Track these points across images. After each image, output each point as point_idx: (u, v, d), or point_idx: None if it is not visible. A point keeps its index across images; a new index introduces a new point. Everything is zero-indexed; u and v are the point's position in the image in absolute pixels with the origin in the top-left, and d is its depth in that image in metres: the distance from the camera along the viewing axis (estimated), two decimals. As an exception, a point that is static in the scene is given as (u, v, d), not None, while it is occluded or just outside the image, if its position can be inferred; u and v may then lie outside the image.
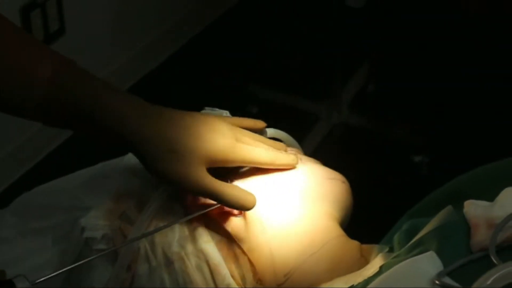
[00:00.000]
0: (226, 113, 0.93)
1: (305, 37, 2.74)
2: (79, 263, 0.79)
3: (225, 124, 0.87)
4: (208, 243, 0.83)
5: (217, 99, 0.91)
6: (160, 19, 2.59)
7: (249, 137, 0.88)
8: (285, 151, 0.92)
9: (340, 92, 2.45)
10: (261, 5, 2.90)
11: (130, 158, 0.92)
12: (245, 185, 0.86)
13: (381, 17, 2.83)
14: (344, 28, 2.38)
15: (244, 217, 0.85)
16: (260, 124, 0.93)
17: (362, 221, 1.00)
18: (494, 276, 0.64)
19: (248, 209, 0.83)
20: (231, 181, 0.87)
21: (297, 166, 0.90)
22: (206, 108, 0.93)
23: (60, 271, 0.77)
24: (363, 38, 2.72)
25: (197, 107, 0.91)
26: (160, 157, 0.81)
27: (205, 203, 0.84)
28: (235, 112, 0.93)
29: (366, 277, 0.77)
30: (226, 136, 0.84)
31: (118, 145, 0.83)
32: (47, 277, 0.75)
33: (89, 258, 0.80)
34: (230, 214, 0.85)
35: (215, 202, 0.83)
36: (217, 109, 0.93)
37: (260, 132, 0.93)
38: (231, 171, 0.88)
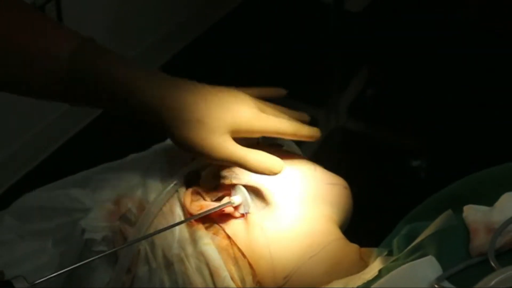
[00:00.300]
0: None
1: (304, 41, 2.75)
2: (78, 264, 0.79)
3: (247, 93, 0.87)
4: (208, 245, 0.83)
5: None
6: (158, 23, 2.59)
7: (272, 108, 0.89)
8: (307, 122, 0.92)
9: (338, 97, 2.45)
10: (259, 10, 2.90)
11: (130, 160, 0.92)
12: (246, 188, 0.86)
13: (379, 21, 2.83)
14: (342, 32, 2.38)
15: (244, 219, 0.85)
16: (281, 91, 0.94)
17: (361, 225, 1.00)
18: (494, 281, 0.64)
19: (276, 173, 0.83)
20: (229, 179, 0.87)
21: (300, 166, 0.90)
22: None
23: (59, 272, 0.77)
24: (362, 42, 2.72)
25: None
26: (184, 125, 0.81)
27: (205, 206, 0.84)
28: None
29: (365, 280, 0.77)
30: (251, 106, 0.85)
31: (141, 116, 0.83)
32: (46, 278, 0.75)
33: (88, 260, 0.80)
34: (230, 217, 0.85)
35: (215, 205, 0.84)
36: None
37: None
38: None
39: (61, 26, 0.85)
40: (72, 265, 0.83)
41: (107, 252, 0.82)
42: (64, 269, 0.84)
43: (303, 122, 0.91)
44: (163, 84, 0.82)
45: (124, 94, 0.81)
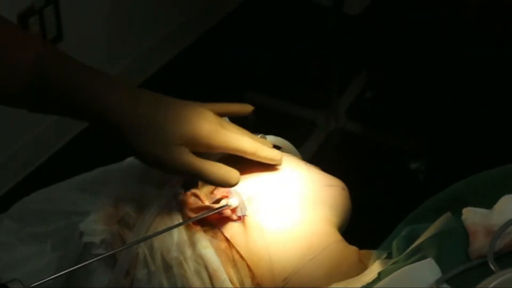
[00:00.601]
0: (224, 118, 0.93)
1: (303, 44, 2.75)
2: (74, 268, 0.78)
3: (209, 109, 0.86)
4: (206, 248, 0.83)
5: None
6: (156, 27, 2.60)
7: (234, 127, 0.88)
8: (270, 147, 0.91)
9: (337, 99, 2.45)
10: (258, 13, 2.91)
11: (128, 163, 0.92)
12: (243, 191, 0.86)
13: (377, 23, 2.84)
14: (341, 35, 2.38)
15: (243, 222, 0.85)
16: (247, 108, 0.92)
17: (360, 227, 1.00)
18: (493, 283, 0.64)
19: (232, 185, 0.83)
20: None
21: (298, 169, 0.90)
22: None
23: (55, 275, 0.77)
24: (360, 44, 2.72)
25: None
26: (141, 138, 0.80)
27: (203, 208, 0.84)
28: (232, 119, 0.93)
29: (364, 283, 0.77)
30: (211, 121, 0.84)
31: (98, 126, 0.82)
32: (42, 281, 0.75)
33: (85, 262, 0.80)
34: (228, 220, 0.85)
35: (214, 207, 0.84)
36: None
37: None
38: None
39: (27, 34, 0.85)
40: (70, 266, 0.83)
41: (105, 255, 0.81)
42: (62, 269, 0.85)
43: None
44: (123, 96, 0.82)
45: (80, 102, 0.81)
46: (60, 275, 0.77)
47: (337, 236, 0.89)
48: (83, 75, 0.82)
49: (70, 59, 0.83)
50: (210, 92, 2.47)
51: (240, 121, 0.92)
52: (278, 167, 0.90)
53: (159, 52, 2.61)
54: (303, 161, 0.95)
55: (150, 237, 0.82)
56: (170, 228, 0.83)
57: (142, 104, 0.82)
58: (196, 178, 0.83)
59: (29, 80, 0.81)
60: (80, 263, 0.84)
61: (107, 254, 0.81)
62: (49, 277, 0.75)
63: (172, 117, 0.82)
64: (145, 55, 2.55)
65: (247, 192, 0.86)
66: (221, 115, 0.88)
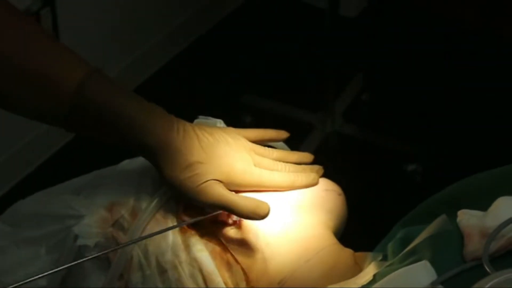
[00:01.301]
0: (220, 122, 0.93)
1: (299, 47, 2.75)
2: (64, 266, 0.79)
3: (244, 146, 0.87)
4: (201, 251, 0.83)
5: (211, 108, 0.91)
6: (152, 31, 2.60)
7: (269, 158, 0.89)
8: (311, 159, 0.93)
9: (334, 102, 2.46)
10: (254, 16, 2.91)
11: (123, 167, 0.91)
12: (240, 194, 0.86)
13: (374, 26, 2.84)
14: (337, 37, 2.38)
15: (238, 226, 0.85)
16: (283, 134, 0.94)
17: (356, 230, 1.00)
18: (488, 285, 0.64)
19: (262, 218, 0.83)
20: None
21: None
22: (200, 117, 0.93)
23: (39, 275, 0.76)
24: (357, 47, 2.73)
25: (191, 117, 0.91)
26: (179, 172, 0.82)
27: (198, 212, 0.84)
28: (228, 122, 0.93)
29: (359, 285, 0.77)
30: (245, 161, 0.85)
31: (137, 151, 0.84)
32: (21, 283, 0.74)
33: (77, 261, 0.80)
34: (224, 223, 0.85)
35: (209, 211, 0.84)
36: (210, 118, 0.93)
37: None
38: None
39: (74, 56, 0.84)
40: (65, 271, 0.83)
41: (96, 255, 0.81)
42: (57, 276, 0.84)
43: (305, 162, 0.92)
44: (162, 125, 0.83)
45: (123, 132, 0.82)
46: (45, 275, 0.77)
47: (333, 239, 0.89)
48: (124, 104, 0.82)
49: (112, 84, 0.83)
50: (207, 94, 2.47)
51: (236, 123, 0.92)
52: None
53: (156, 56, 2.61)
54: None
55: (142, 238, 0.82)
56: (164, 231, 0.83)
57: (181, 136, 0.83)
58: (227, 210, 0.83)
59: (73, 106, 0.81)
60: (74, 267, 0.84)
61: (99, 254, 0.81)
62: (31, 277, 0.75)
63: (210, 154, 0.83)
64: (142, 58, 2.55)
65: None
66: (255, 142, 0.90)
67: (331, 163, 0.93)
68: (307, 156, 0.93)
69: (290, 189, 0.89)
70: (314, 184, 0.90)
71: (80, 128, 0.83)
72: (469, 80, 2.53)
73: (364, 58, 2.70)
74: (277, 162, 0.89)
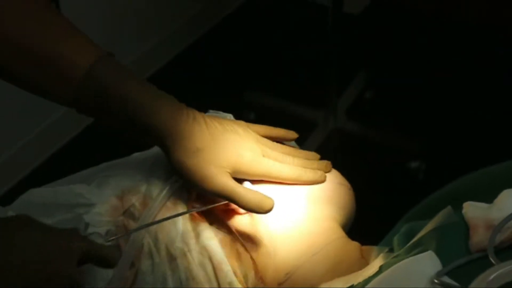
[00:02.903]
0: (230, 116, 0.93)
1: (302, 43, 2.75)
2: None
3: (253, 137, 0.88)
4: (211, 240, 0.84)
5: (215, 105, 0.92)
6: (156, 28, 2.60)
7: (278, 151, 0.89)
8: (317, 159, 0.93)
9: (337, 99, 2.46)
10: (258, 12, 2.91)
11: (134, 157, 0.92)
12: (251, 186, 0.87)
13: (378, 23, 2.84)
14: (341, 34, 2.38)
15: (249, 215, 0.85)
16: (292, 135, 0.94)
17: (361, 224, 1.01)
18: (493, 276, 0.65)
19: (265, 212, 0.84)
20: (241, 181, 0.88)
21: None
22: (210, 111, 0.94)
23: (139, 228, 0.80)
24: (361, 44, 2.73)
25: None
26: (185, 154, 0.82)
27: (209, 200, 0.85)
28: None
29: (366, 277, 0.78)
30: (253, 150, 0.86)
31: (146, 139, 0.85)
32: (119, 237, 0.80)
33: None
34: (234, 213, 0.86)
35: (220, 200, 0.84)
36: (220, 112, 0.94)
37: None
38: None
39: (87, 39, 0.86)
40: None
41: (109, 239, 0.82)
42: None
43: (312, 160, 0.92)
44: (171, 109, 0.83)
45: (131, 114, 0.83)
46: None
47: (340, 233, 0.89)
48: (131, 88, 0.83)
49: (123, 69, 0.85)
50: (210, 91, 2.47)
51: (238, 120, 0.93)
52: None
53: (159, 53, 2.61)
54: None
55: (151, 224, 0.83)
56: (173, 216, 0.84)
57: (190, 123, 0.83)
58: (230, 201, 0.84)
59: (82, 87, 0.82)
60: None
61: (110, 240, 0.82)
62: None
63: (218, 140, 0.84)
64: (145, 56, 2.55)
65: (255, 189, 0.86)
66: (265, 137, 0.90)
67: (334, 160, 0.94)
68: (313, 155, 0.94)
69: (296, 183, 0.89)
70: (321, 181, 0.90)
71: (89, 110, 0.84)
72: (473, 78, 2.53)
73: (367, 56, 2.70)
74: (286, 155, 0.90)
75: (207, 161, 0.82)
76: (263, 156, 0.87)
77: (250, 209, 0.84)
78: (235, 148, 0.85)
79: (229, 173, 0.84)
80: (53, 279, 0.70)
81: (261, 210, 0.84)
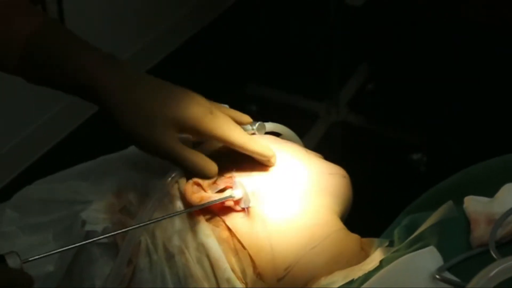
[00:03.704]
0: (226, 107, 0.93)
1: (304, 36, 2.75)
2: (70, 246, 0.79)
3: (203, 98, 0.85)
4: (208, 237, 0.83)
5: (216, 97, 0.91)
6: (158, 19, 2.60)
7: (227, 117, 0.86)
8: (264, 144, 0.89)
9: (339, 91, 2.45)
10: (260, 4, 2.91)
11: (131, 152, 0.92)
12: (246, 180, 0.86)
13: (380, 15, 2.83)
14: (343, 27, 2.38)
15: (246, 212, 0.85)
16: (245, 118, 0.90)
17: (361, 217, 1.00)
18: (494, 271, 0.64)
19: (208, 177, 0.83)
20: (231, 171, 0.87)
21: (301, 158, 0.90)
22: None
23: (51, 252, 0.77)
24: (362, 37, 2.72)
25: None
26: (127, 116, 0.80)
27: (205, 197, 0.84)
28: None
29: (366, 271, 0.77)
30: (201, 105, 0.83)
31: (88, 98, 0.83)
32: (39, 257, 0.75)
33: (80, 243, 0.80)
34: (231, 210, 0.85)
35: (216, 197, 0.84)
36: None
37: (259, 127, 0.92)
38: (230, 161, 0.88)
39: (30, 7, 0.85)
40: (72, 257, 0.83)
41: (101, 237, 0.81)
42: (65, 261, 0.85)
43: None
44: (113, 71, 0.82)
45: (72, 75, 0.82)
46: (56, 252, 0.77)
47: (339, 225, 0.89)
48: (76, 49, 0.83)
49: (66, 33, 0.84)
50: (212, 83, 2.47)
51: (241, 112, 0.92)
52: (278, 157, 0.89)
53: (161, 45, 2.61)
54: (304, 149, 0.95)
55: (148, 223, 0.82)
56: (171, 215, 0.83)
57: (133, 83, 0.82)
58: (175, 164, 0.83)
59: (24, 54, 0.82)
60: (82, 252, 0.84)
61: (103, 237, 0.81)
62: (45, 253, 0.76)
63: (161, 98, 0.81)
64: (146, 47, 2.55)
65: (251, 185, 0.85)
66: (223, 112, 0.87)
67: (335, 152, 0.94)
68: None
69: (242, 150, 0.85)
70: (268, 156, 0.87)
71: (32, 73, 0.84)
72: (475, 71, 2.53)
73: (369, 48, 2.70)
74: (236, 124, 0.86)
75: (150, 123, 0.80)
76: (211, 114, 0.84)
77: (194, 173, 0.83)
78: (180, 103, 0.82)
79: (175, 130, 0.81)
80: None
81: (203, 175, 0.83)
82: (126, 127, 0.81)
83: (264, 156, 0.87)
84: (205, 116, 0.83)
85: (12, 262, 0.71)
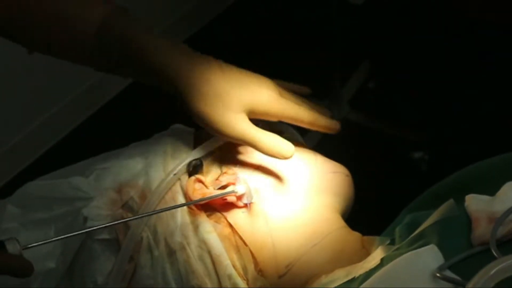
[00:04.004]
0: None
1: (306, 34, 2.75)
2: (70, 234, 0.79)
3: (271, 80, 0.88)
4: (210, 233, 0.83)
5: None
6: (160, 16, 2.60)
7: (294, 96, 0.90)
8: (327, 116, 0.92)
9: (341, 89, 2.45)
10: (260, 2, 2.90)
11: (131, 148, 0.92)
12: (249, 177, 0.86)
13: (382, 13, 2.83)
14: (344, 25, 2.38)
15: (247, 209, 0.85)
16: (305, 90, 0.94)
17: (363, 215, 1.00)
18: (495, 269, 0.64)
19: (286, 158, 0.84)
20: (234, 167, 0.87)
21: (304, 156, 0.91)
22: None
23: (52, 239, 0.78)
24: (364, 34, 2.72)
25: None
26: (201, 98, 0.82)
27: (207, 194, 0.84)
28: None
29: (367, 269, 0.77)
30: (271, 89, 0.86)
31: (161, 85, 0.84)
32: (38, 244, 0.76)
33: (79, 232, 0.80)
34: (233, 206, 0.85)
35: (216, 193, 0.84)
36: None
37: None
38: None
39: None
40: (74, 252, 0.83)
41: (102, 226, 0.82)
42: (67, 258, 0.85)
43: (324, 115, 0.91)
44: (185, 57, 0.84)
45: (146, 63, 0.83)
46: (55, 240, 0.79)
47: (341, 223, 0.89)
48: (147, 39, 0.84)
49: (136, 21, 0.85)
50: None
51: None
52: None
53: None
54: (306, 147, 0.95)
55: (147, 215, 0.83)
56: (172, 208, 0.83)
57: (205, 68, 0.83)
58: (250, 146, 0.84)
59: (97, 38, 0.83)
60: (83, 249, 0.84)
61: (105, 225, 0.81)
62: (44, 241, 0.77)
63: (234, 83, 0.83)
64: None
65: (253, 182, 0.86)
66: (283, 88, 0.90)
67: (337, 150, 0.94)
68: (326, 111, 0.94)
69: (311, 127, 0.89)
70: (336, 129, 0.91)
71: (104, 64, 0.85)
72: (477, 69, 2.52)
73: (371, 46, 2.70)
74: (302, 100, 0.90)
75: (224, 106, 0.82)
76: (281, 96, 0.87)
77: (270, 154, 0.84)
78: (252, 88, 0.84)
79: (246, 114, 0.83)
80: None
81: (281, 156, 0.84)
82: (201, 110, 0.82)
83: (332, 130, 0.91)
84: (276, 99, 0.85)
85: (12, 248, 0.72)
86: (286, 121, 0.88)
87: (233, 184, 0.85)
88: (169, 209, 0.83)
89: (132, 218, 0.82)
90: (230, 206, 0.85)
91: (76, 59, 0.87)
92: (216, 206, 0.85)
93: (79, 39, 0.84)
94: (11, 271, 0.72)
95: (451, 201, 0.78)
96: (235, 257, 0.84)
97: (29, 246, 0.74)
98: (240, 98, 0.83)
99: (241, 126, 0.82)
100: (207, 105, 0.82)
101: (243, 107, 0.83)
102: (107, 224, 0.82)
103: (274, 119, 0.87)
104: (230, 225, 0.85)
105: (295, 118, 0.87)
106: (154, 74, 0.83)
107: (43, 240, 0.77)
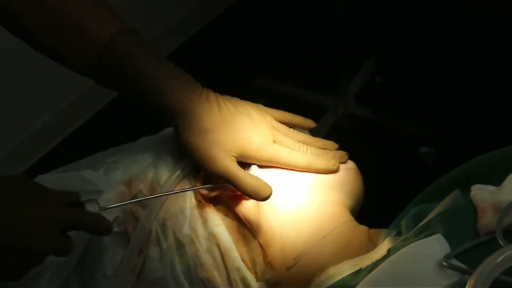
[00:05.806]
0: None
1: (313, 29, 2.74)
2: (151, 196, 0.83)
3: (268, 122, 0.88)
4: (219, 226, 0.84)
5: (224, 91, 0.91)
6: (166, 13, 2.60)
7: (292, 138, 0.89)
8: (334, 149, 0.92)
9: (347, 84, 2.45)
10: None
11: (140, 143, 0.92)
12: (259, 171, 0.87)
13: (389, 8, 2.83)
14: (351, 19, 2.38)
15: (256, 201, 0.85)
16: (309, 123, 0.94)
17: (369, 209, 1.01)
18: (501, 257, 0.65)
19: (263, 199, 0.84)
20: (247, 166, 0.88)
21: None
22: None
23: (127, 202, 0.82)
24: (371, 29, 2.72)
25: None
26: (193, 136, 0.82)
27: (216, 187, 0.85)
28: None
29: (374, 260, 0.78)
30: (263, 135, 0.86)
31: (157, 115, 0.85)
32: (115, 206, 0.80)
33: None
34: (242, 198, 0.86)
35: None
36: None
37: None
38: None
39: (110, 11, 0.86)
40: (84, 247, 0.84)
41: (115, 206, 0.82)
42: (76, 251, 0.85)
43: (328, 150, 0.92)
44: (184, 88, 0.84)
45: (144, 89, 0.83)
46: (131, 202, 0.83)
47: (348, 217, 0.89)
48: (148, 63, 0.83)
49: (140, 45, 0.85)
50: (220, 77, 2.47)
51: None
52: None
53: (169, 38, 2.61)
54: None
55: (149, 198, 0.84)
56: (179, 191, 0.85)
57: (203, 103, 0.84)
58: (230, 184, 0.84)
59: (99, 60, 0.83)
60: (93, 242, 0.85)
61: (113, 206, 0.82)
62: (121, 202, 0.81)
63: (228, 124, 0.84)
64: (155, 41, 2.56)
65: (264, 176, 0.86)
66: (282, 123, 0.90)
67: (344, 145, 0.94)
68: (331, 144, 0.93)
69: (307, 171, 0.89)
70: (333, 170, 0.90)
71: (106, 81, 0.85)
72: (485, 62, 2.52)
73: (378, 41, 2.70)
74: (299, 143, 0.90)
75: (213, 142, 0.83)
76: (274, 142, 0.87)
77: (248, 194, 0.84)
78: (244, 132, 0.85)
79: (234, 156, 0.84)
80: (34, 246, 0.72)
81: (259, 196, 0.84)
82: (191, 143, 0.83)
83: (329, 171, 0.90)
84: (267, 146, 0.86)
85: (91, 207, 0.76)
86: (278, 166, 0.88)
87: None
88: (180, 192, 0.85)
89: (132, 200, 0.84)
90: (239, 198, 0.86)
91: (74, 68, 0.87)
92: (225, 199, 0.86)
93: (79, 53, 0.84)
94: (86, 226, 0.76)
95: (457, 191, 0.78)
96: (243, 250, 0.84)
97: (108, 207, 0.78)
98: (231, 141, 0.83)
99: (224, 163, 0.83)
100: (197, 138, 0.83)
101: (232, 151, 0.84)
102: (112, 206, 0.82)
103: (266, 164, 0.87)
104: (239, 218, 0.85)
105: (286, 164, 0.88)
106: (150, 103, 0.84)
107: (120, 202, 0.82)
